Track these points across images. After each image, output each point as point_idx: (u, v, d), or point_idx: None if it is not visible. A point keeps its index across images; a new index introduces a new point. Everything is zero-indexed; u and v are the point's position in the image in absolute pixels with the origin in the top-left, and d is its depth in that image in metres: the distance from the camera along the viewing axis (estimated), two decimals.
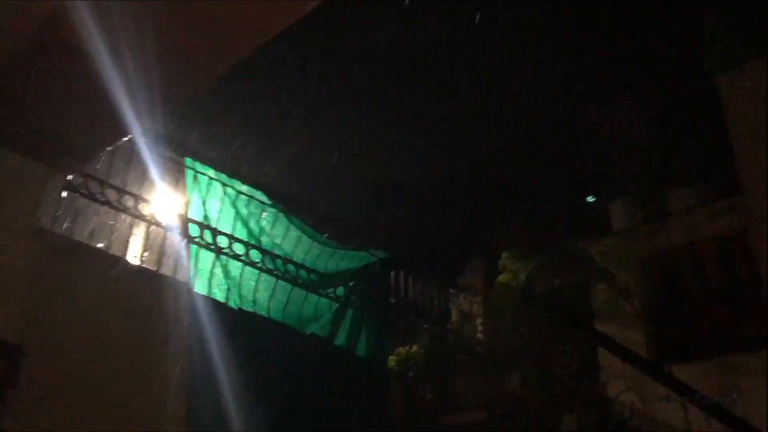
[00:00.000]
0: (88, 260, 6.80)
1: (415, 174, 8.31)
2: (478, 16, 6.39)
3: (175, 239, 8.01)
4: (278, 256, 8.42)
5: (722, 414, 5.95)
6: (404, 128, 7.51)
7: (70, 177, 6.73)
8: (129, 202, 7.42)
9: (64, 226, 6.84)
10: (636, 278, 7.43)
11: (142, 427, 6.49)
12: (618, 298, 7.30)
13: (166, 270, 7.81)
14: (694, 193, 7.84)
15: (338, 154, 7.66)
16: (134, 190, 7.54)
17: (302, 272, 8.58)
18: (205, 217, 8.11)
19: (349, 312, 8.85)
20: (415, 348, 8.60)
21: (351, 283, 8.93)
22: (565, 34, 7.04)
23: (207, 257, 8.13)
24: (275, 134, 7.49)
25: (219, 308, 8.03)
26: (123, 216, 7.39)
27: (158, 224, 7.79)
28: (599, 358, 7.83)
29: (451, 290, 10.09)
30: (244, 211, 8.36)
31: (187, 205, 8.08)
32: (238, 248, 8.18)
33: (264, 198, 8.37)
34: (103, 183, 7.15)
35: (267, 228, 8.43)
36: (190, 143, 7.91)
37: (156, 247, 7.92)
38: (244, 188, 8.31)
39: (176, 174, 8.09)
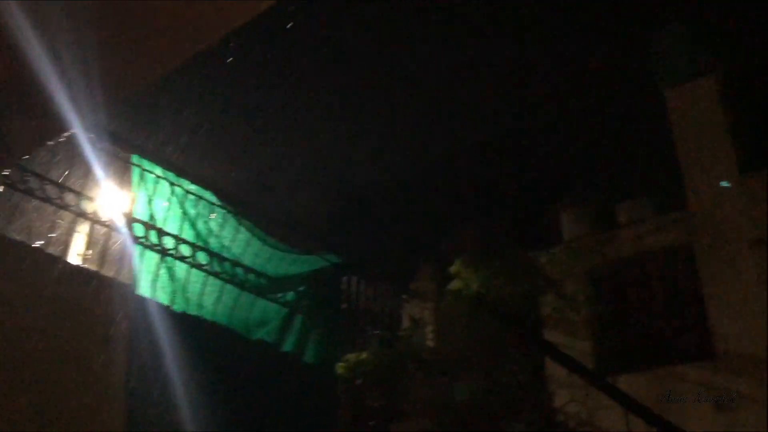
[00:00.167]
0: (24, 259, 6.61)
1: (370, 179, 8.33)
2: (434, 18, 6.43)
3: (119, 239, 7.84)
4: (226, 259, 8.32)
5: (661, 424, 6.10)
6: (359, 133, 7.52)
7: (6, 172, 6.51)
8: (70, 199, 7.24)
9: None
10: (584, 288, 7.53)
11: (78, 429, 6.33)
12: (566, 308, 7.38)
13: (108, 271, 7.64)
14: (642, 205, 8.01)
15: (291, 157, 7.61)
16: (77, 186, 7.36)
17: (251, 276, 8.50)
18: (151, 217, 7.96)
19: (298, 317, 8.80)
20: (364, 355, 8.61)
21: (301, 288, 8.88)
22: (520, 47, 7.18)
23: (152, 258, 7.98)
24: (226, 134, 7.42)
25: (163, 311, 7.89)
26: (64, 213, 7.19)
27: (101, 223, 7.63)
28: (547, 367, 7.92)
29: (403, 296, 10.07)
30: (192, 212, 8.23)
31: (132, 203, 7.92)
32: (185, 250, 8.06)
33: (213, 198, 8.26)
34: (42, 179, 6.96)
35: (215, 229, 8.32)
36: (138, 140, 7.76)
37: (99, 246, 7.75)
38: (193, 188, 8.19)
39: (122, 171, 7.94)
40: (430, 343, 8.89)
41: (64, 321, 6.62)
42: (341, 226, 8.92)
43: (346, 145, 7.78)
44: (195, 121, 7.27)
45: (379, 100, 7.25)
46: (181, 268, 8.12)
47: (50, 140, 5.35)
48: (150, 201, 8.02)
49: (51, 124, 4.42)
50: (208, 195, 8.23)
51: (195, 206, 8.19)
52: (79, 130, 5.85)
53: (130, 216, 7.81)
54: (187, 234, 8.13)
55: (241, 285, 8.37)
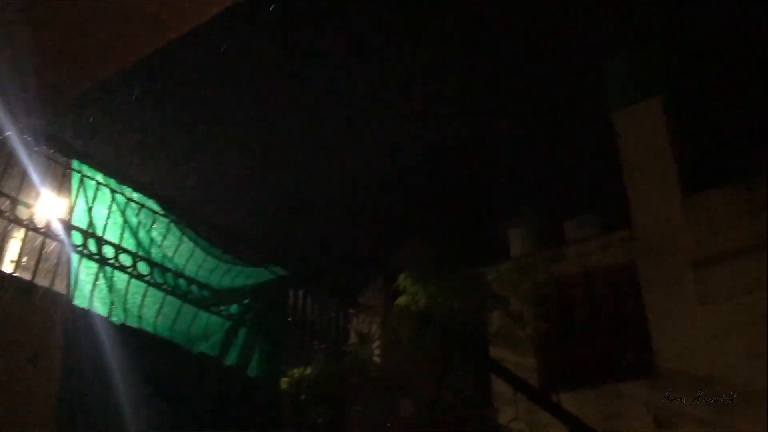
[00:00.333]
0: None
1: (318, 190, 8.30)
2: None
3: (56, 247, 7.60)
4: (168, 270, 8.13)
5: None
6: (308, 144, 7.50)
7: None
8: (4, 204, 6.98)
9: None
10: (530, 305, 7.65)
11: None
12: (512, 325, 7.47)
13: (42, 280, 7.38)
14: (589, 224, 8.19)
15: (238, 166, 7.54)
16: (11, 192, 7.11)
17: (194, 287, 8.31)
18: (91, 225, 7.73)
19: (243, 331, 8.63)
20: (309, 369, 8.56)
21: (246, 301, 8.72)
22: (473, 65, 7.30)
23: (90, 268, 7.74)
24: (170, 141, 7.29)
25: (101, 323, 7.67)
26: None
27: (37, 230, 7.37)
28: (492, 384, 7.98)
29: (350, 310, 10.04)
30: (133, 220, 8.03)
31: (71, 210, 7.69)
32: (125, 259, 7.84)
33: (156, 207, 8.08)
34: None
35: (158, 239, 8.13)
36: (78, 145, 7.56)
37: (34, 254, 7.49)
38: (135, 196, 7.99)
39: (61, 177, 7.71)
40: (377, 359, 8.88)
41: None
42: (289, 238, 8.85)
43: (295, 157, 7.75)
44: (139, 127, 7.14)
45: (329, 111, 7.25)
46: (120, 278, 7.88)
47: None
48: (90, 208, 7.79)
49: None
50: (150, 203, 8.05)
51: (137, 214, 8.00)
52: (13, 133, 5.68)
53: (68, 223, 7.57)
54: (128, 243, 7.92)
55: (184, 297, 8.18)
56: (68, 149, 7.52)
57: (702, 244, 7.12)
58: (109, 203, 7.86)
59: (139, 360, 8.09)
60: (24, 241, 7.35)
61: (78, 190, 7.70)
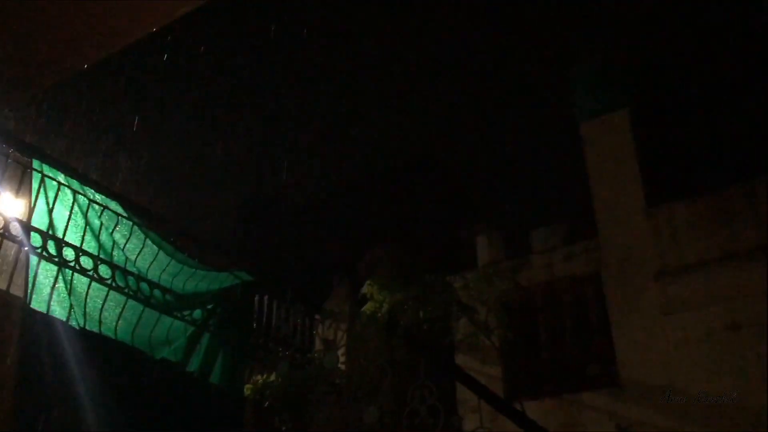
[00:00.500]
0: None
1: (284, 196, 8.25)
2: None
3: (14, 249, 7.42)
4: (131, 273, 7.95)
5: None
6: (274, 148, 7.47)
7: None
8: None
9: None
10: (496, 314, 7.68)
11: None
12: (478, 333, 7.47)
13: None
14: (555, 233, 8.26)
15: (203, 169, 7.45)
16: None
17: (156, 292, 8.15)
18: (51, 226, 7.55)
19: (206, 336, 8.46)
20: (273, 376, 8.41)
21: (210, 306, 8.55)
22: (443, 73, 7.35)
23: (50, 270, 7.56)
24: (135, 142, 7.19)
25: (59, 327, 7.52)
26: None
27: None
28: (457, 392, 7.99)
29: (316, 317, 9.96)
30: (96, 222, 7.86)
31: (30, 211, 7.51)
32: (86, 262, 7.65)
33: (119, 209, 7.92)
34: None
35: (120, 242, 7.96)
36: (39, 144, 7.40)
37: None
38: (98, 197, 7.82)
39: (20, 177, 7.53)
40: (342, 366, 8.82)
41: None
42: (254, 243, 8.77)
43: (261, 162, 7.70)
44: (102, 127, 7.02)
45: (297, 117, 7.23)
46: (81, 281, 7.69)
47: None
48: (50, 209, 7.60)
49: None
50: (113, 205, 7.88)
51: (99, 216, 7.82)
52: None
53: (27, 224, 7.39)
54: (90, 245, 7.74)
55: (146, 301, 8.01)
56: (28, 148, 7.35)
57: (665, 255, 7.24)
58: (71, 204, 7.69)
59: (100, 365, 7.94)
60: None
61: (38, 191, 7.51)
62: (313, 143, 8.04)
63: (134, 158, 7.83)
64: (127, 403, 7.93)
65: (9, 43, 3.44)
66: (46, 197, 7.59)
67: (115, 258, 7.88)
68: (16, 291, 7.24)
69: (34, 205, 7.49)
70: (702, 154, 7.54)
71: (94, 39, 3.68)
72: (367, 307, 7.25)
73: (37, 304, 7.34)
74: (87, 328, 7.71)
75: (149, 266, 8.09)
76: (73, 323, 7.57)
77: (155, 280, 8.14)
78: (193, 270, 8.38)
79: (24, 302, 7.20)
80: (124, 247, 7.97)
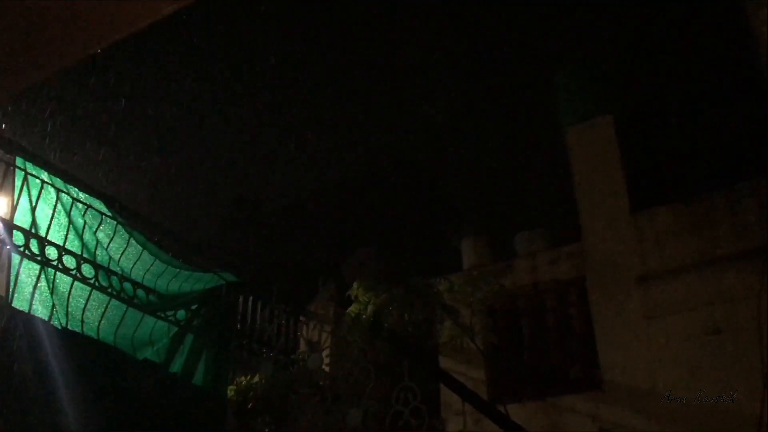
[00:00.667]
0: None
1: (269, 196, 8.25)
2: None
3: None
4: (114, 273, 7.96)
5: None
6: (259, 148, 7.46)
7: None
8: None
9: None
10: (480, 317, 7.69)
11: None
12: (462, 336, 7.48)
13: None
14: (539, 237, 8.29)
15: (189, 169, 7.44)
16: None
17: (140, 292, 8.16)
18: (34, 225, 7.54)
19: (189, 337, 8.49)
20: (257, 378, 8.34)
21: (194, 307, 8.59)
22: (429, 76, 7.39)
23: (32, 269, 7.55)
24: (120, 141, 7.16)
25: (41, 326, 7.46)
26: None
27: None
28: (441, 394, 7.99)
29: (300, 318, 9.94)
30: (79, 221, 7.85)
31: (13, 209, 7.47)
32: (69, 261, 7.65)
33: (103, 208, 7.91)
34: None
35: (104, 241, 7.97)
36: (23, 142, 7.37)
37: None
38: (82, 196, 7.82)
39: (3, 174, 7.49)
40: (326, 368, 8.80)
41: None
42: (239, 244, 8.76)
43: (247, 162, 7.70)
44: (87, 125, 6.99)
45: (282, 117, 7.23)
46: (63, 280, 7.71)
47: None
48: (33, 208, 7.60)
49: None
50: (97, 204, 7.88)
51: (83, 215, 7.82)
52: None
53: (9, 223, 7.37)
54: (73, 244, 7.74)
55: (129, 301, 8.02)
56: (12, 146, 7.31)
57: (648, 260, 7.25)
58: (54, 203, 7.68)
59: (81, 365, 7.88)
60: None
61: (21, 189, 7.51)
62: (299, 144, 8.03)
63: (119, 157, 7.81)
64: (108, 403, 7.87)
65: None
66: (29, 195, 7.58)
67: (99, 257, 7.89)
68: None
69: (17, 203, 7.48)
70: (685, 160, 7.60)
71: (78, 37, 3.65)
72: (352, 309, 7.18)
73: (19, 303, 7.32)
74: (69, 327, 7.72)
75: (133, 266, 8.12)
76: (56, 323, 7.55)
77: (139, 280, 8.16)
78: (177, 270, 8.42)
79: (5, 301, 7.14)
80: (107, 247, 7.98)
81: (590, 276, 7.62)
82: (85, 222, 7.84)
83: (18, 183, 7.48)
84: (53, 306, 7.59)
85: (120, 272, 8.02)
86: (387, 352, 7.37)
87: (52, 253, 7.54)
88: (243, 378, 8.30)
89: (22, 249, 7.32)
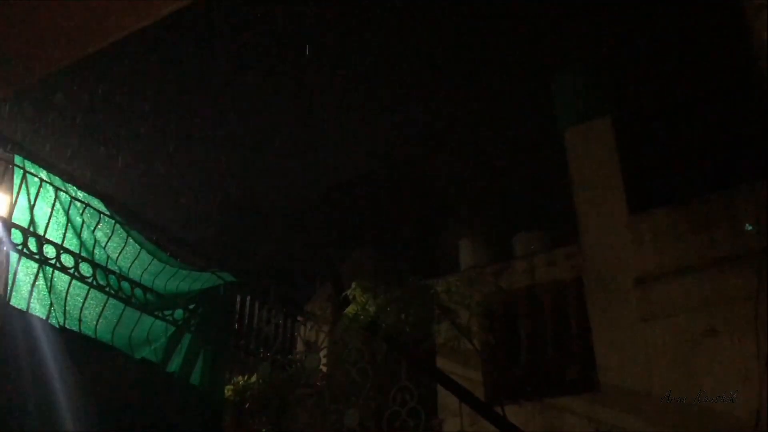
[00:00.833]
0: None
1: (268, 196, 8.25)
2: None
3: None
4: (112, 272, 7.93)
5: None
6: (258, 147, 7.47)
7: None
8: None
9: None
10: (477, 318, 7.72)
11: None
12: (460, 337, 7.48)
13: None
14: (537, 238, 8.32)
15: (188, 168, 7.45)
16: None
17: (138, 291, 8.12)
18: (32, 223, 7.52)
19: (187, 336, 8.44)
20: (254, 378, 8.38)
21: (191, 306, 8.53)
22: (427, 76, 7.40)
23: (30, 268, 7.53)
24: (118, 140, 7.17)
25: (39, 325, 7.47)
26: None
27: None
28: (438, 395, 8.00)
29: (298, 318, 9.96)
30: (77, 220, 7.84)
31: (11, 208, 7.47)
32: (67, 260, 7.63)
33: (101, 207, 7.90)
34: None
35: (102, 240, 7.94)
36: (22, 140, 7.38)
37: None
38: (80, 195, 7.81)
39: (2, 173, 7.49)
40: (323, 368, 8.81)
41: None
42: (237, 243, 8.76)
43: (245, 161, 7.71)
44: (86, 123, 7.00)
45: (279, 116, 7.24)
46: (61, 279, 7.68)
47: None
48: (32, 206, 7.59)
49: None
50: (95, 203, 7.87)
51: (81, 214, 7.80)
52: None
53: (8, 221, 7.36)
54: (71, 243, 7.72)
55: (127, 300, 7.98)
56: (11, 144, 7.32)
57: (645, 261, 7.26)
58: (52, 201, 7.67)
59: (79, 364, 7.88)
60: None
61: (20, 187, 7.50)
62: (297, 144, 8.04)
63: (118, 156, 7.81)
64: (104, 402, 7.88)
65: None
66: (28, 194, 7.57)
67: (97, 256, 7.86)
68: None
69: (16, 201, 7.47)
70: (684, 161, 7.61)
71: (75, 36, 3.66)
72: (350, 310, 7.28)
73: (17, 301, 7.31)
74: (67, 326, 7.66)
75: (131, 265, 8.08)
76: (53, 321, 7.53)
77: (137, 279, 8.11)
78: (175, 269, 8.37)
79: (3, 300, 7.14)
80: (105, 246, 7.95)
81: (588, 277, 7.63)
82: (83, 221, 7.82)
83: (17, 181, 7.47)
84: (51, 305, 7.56)
85: (118, 271, 7.99)
86: (384, 353, 7.41)
87: (50, 251, 7.53)
88: (240, 378, 8.37)
89: (20, 247, 7.32)
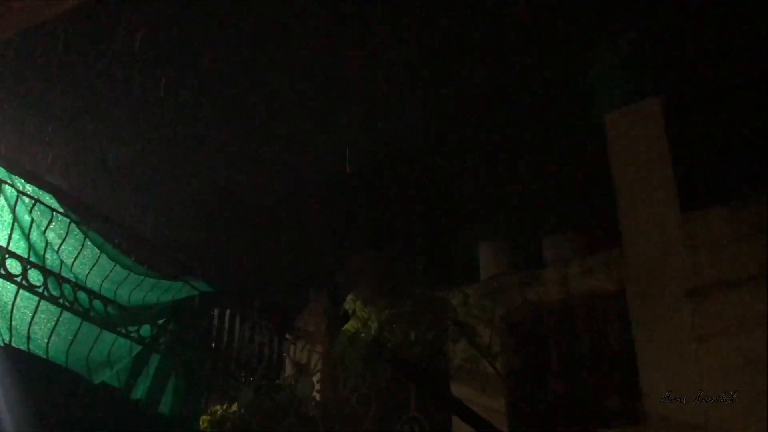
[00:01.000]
0: None
1: (251, 192, 8.15)
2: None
3: None
4: (67, 280, 7.83)
5: None
6: (237, 138, 7.36)
7: None
8: None
9: None
10: (500, 336, 7.66)
11: None
12: (479, 359, 7.37)
13: None
14: (571, 242, 8.25)
15: (155, 160, 7.31)
16: None
17: (97, 303, 8.01)
18: None
19: (155, 357, 8.41)
20: (234, 406, 8.38)
21: (161, 321, 8.51)
22: (446, 64, 7.31)
23: None
24: (75, 128, 7.02)
25: None
26: None
27: None
28: (453, 425, 7.94)
29: (287, 336, 9.93)
30: (25, 218, 7.70)
31: None
32: (13, 266, 7.45)
33: (54, 203, 7.75)
34: None
35: (55, 242, 7.82)
36: None
37: None
38: (29, 188, 7.65)
39: None
40: (317, 395, 8.80)
41: None
42: (214, 247, 8.66)
43: (222, 154, 7.59)
44: (35, 107, 6.84)
45: (265, 103, 7.15)
46: (6, 289, 7.60)
47: None
48: None
49: None
50: (47, 198, 7.72)
51: (30, 211, 7.66)
52: None
53: None
54: (18, 246, 7.59)
55: (84, 314, 7.87)
56: None
57: (702, 270, 7.16)
58: None
59: (26, 389, 7.80)
60: None
61: None
62: (288, 132, 7.95)
63: (74, 144, 7.66)
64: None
65: None
66: None
67: (48, 262, 7.75)
68: None
69: None
70: (746, 152, 7.52)
71: (24, 6, 3.50)
72: (349, 326, 7.25)
73: None
74: (13, 344, 7.59)
75: (89, 272, 8.00)
76: None
77: (95, 288, 8.03)
78: (142, 278, 8.31)
79: None
80: (59, 249, 7.86)
81: (631, 289, 7.55)
82: (32, 219, 7.70)
83: None
84: None
85: (73, 279, 7.89)
86: (389, 377, 7.38)
87: None
88: (218, 407, 8.36)
89: None
